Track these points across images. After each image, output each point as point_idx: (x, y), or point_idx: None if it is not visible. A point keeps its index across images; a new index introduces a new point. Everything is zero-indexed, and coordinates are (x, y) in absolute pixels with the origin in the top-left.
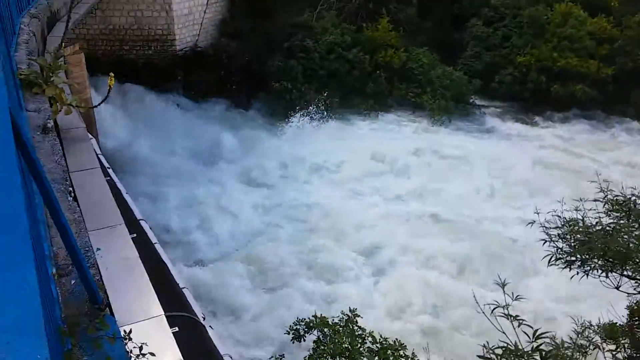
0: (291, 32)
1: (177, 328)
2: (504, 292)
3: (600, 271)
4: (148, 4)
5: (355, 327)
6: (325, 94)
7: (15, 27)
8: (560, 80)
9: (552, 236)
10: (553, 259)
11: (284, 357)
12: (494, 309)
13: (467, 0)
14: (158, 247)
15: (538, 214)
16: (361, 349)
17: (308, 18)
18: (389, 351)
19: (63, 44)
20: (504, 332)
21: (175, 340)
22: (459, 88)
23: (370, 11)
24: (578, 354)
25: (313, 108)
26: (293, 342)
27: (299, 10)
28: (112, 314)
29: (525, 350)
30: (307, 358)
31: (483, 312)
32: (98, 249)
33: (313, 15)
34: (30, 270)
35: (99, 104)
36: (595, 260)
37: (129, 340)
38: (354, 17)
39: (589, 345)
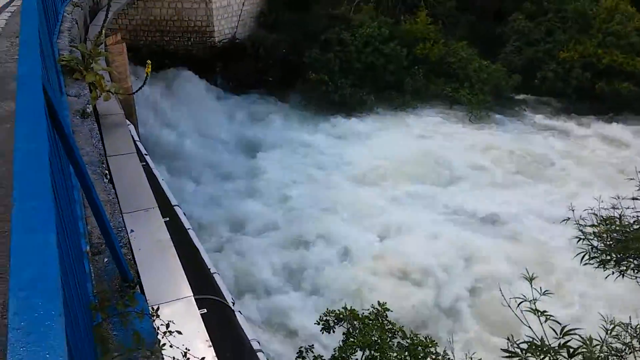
0: (328, 25)
1: (205, 310)
2: (531, 286)
3: (636, 271)
4: None
5: (385, 322)
6: (361, 88)
7: (59, 15)
8: (605, 77)
9: (586, 234)
10: (586, 257)
11: (313, 347)
12: (520, 302)
13: None
14: (191, 232)
15: (573, 211)
16: (391, 343)
17: (346, 10)
18: (420, 347)
19: (103, 31)
20: (530, 327)
21: (203, 322)
22: (498, 82)
23: (408, 4)
24: (614, 357)
25: (350, 101)
26: (322, 333)
27: (337, 3)
28: (142, 292)
29: (552, 346)
30: (337, 350)
31: (509, 306)
32: (132, 230)
33: (351, 8)
34: (51, 233)
35: (137, 91)
36: (631, 260)
37: (157, 317)
38: (392, 10)
39: (625, 349)
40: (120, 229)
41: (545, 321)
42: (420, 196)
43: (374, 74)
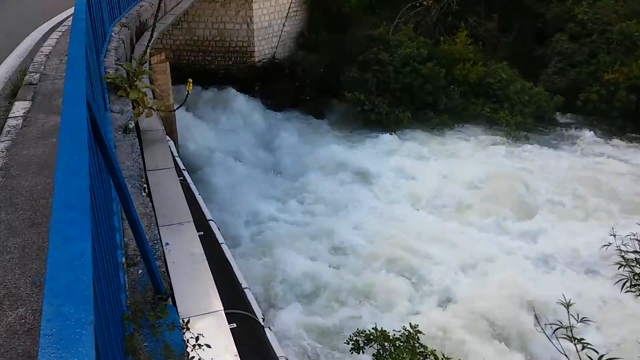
0: (367, 45)
1: (235, 325)
2: (568, 312)
3: None
4: (231, 16)
5: (417, 344)
6: (398, 107)
7: (107, 34)
8: None
9: (628, 260)
10: (628, 284)
11: None
12: (556, 329)
13: (551, 14)
14: (224, 246)
15: (614, 236)
16: None
17: (384, 31)
18: None
19: (148, 51)
20: (566, 356)
21: (232, 337)
22: (539, 104)
23: (448, 25)
24: None
25: (387, 120)
26: (352, 353)
27: (376, 24)
28: (174, 304)
29: None
30: None
31: (544, 332)
32: (167, 244)
33: (389, 29)
34: (86, 243)
35: (178, 108)
36: None
37: (187, 330)
38: (431, 31)
39: None
40: (155, 242)
41: (582, 349)
42: (507, 230)
43: (411, 93)
